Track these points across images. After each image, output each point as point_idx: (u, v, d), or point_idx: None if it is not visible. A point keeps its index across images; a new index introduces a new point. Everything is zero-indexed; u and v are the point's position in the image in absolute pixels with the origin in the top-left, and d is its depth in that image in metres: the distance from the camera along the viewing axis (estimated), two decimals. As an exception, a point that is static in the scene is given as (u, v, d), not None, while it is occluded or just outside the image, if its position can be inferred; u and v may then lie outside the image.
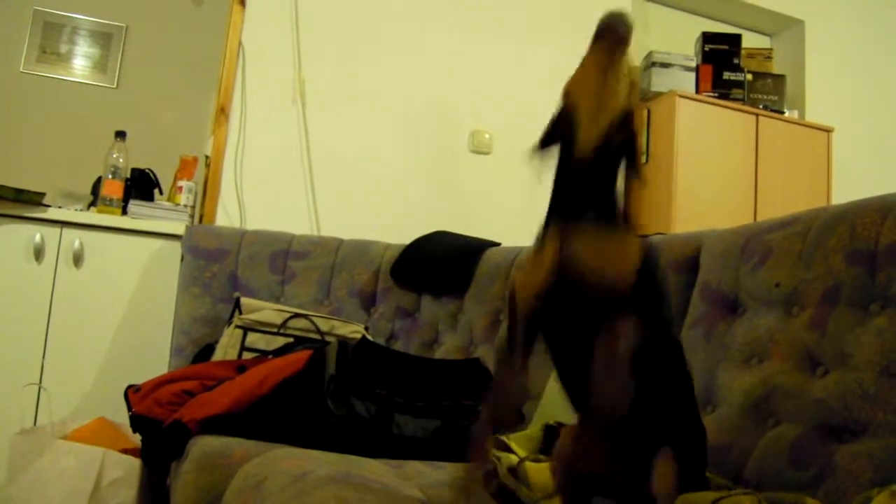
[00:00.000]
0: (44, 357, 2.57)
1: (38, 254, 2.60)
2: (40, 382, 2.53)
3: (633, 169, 1.14)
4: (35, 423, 2.48)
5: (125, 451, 2.08)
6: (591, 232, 1.10)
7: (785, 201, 3.65)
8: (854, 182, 3.93)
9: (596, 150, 1.12)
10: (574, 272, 1.09)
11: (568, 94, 1.18)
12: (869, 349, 1.25)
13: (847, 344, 1.30)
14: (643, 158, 1.11)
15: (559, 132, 1.19)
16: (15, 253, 2.58)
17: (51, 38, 4.06)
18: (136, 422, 1.89)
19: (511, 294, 1.17)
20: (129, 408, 1.93)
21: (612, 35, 1.11)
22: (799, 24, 4.34)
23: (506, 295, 1.17)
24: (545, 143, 1.22)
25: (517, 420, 1.15)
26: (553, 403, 1.64)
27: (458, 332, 2.41)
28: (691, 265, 1.79)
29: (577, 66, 1.18)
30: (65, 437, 2.08)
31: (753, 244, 1.60)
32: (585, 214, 1.11)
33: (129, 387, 1.98)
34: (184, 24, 4.13)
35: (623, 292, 1.07)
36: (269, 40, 3.14)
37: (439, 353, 2.41)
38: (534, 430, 1.47)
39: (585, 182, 1.13)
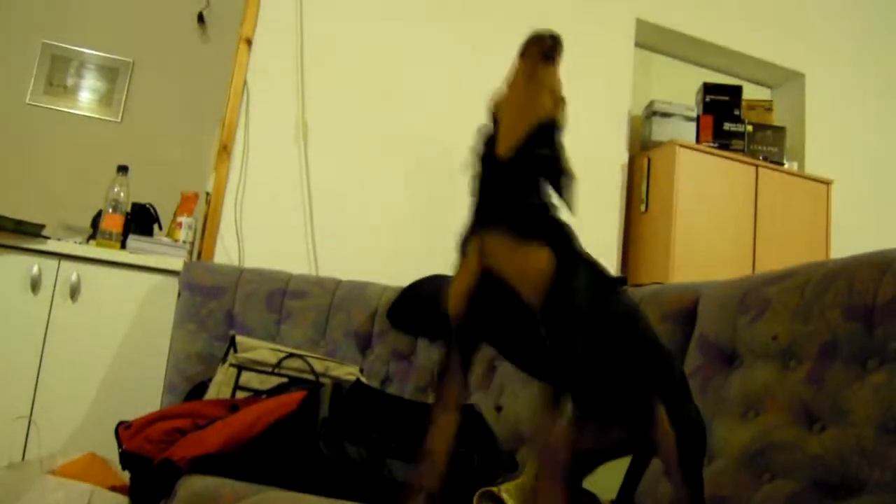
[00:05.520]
0: (35, 390, 2.54)
1: (35, 285, 2.59)
2: (31, 415, 2.50)
3: (559, 184, 1.21)
4: (24, 457, 2.45)
5: (114, 489, 2.04)
6: (505, 241, 1.17)
7: (784, 253, 3.65)
8: (852, 235, 3.93)
9: (515, 153, 1.20)
10: (495, 278, 1.16)
11: (494, 104, 1.28)
12: (866, 405, 1.25)
13: (844, 399, 1.29)
14: (570, 183, 1.18)
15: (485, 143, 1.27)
16: (12, 284, 2.57)
17: (58, 71, 4.09)
18: (126, 459, 1.87)
19: (446, 304, 1.22)
20: (120, 444, 1.91)
21: (535, 47, 1.21)
22: (800, 77, 4.39)
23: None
24: (477, 156, 1.29)
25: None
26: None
27: (454, 376, 2.39)
28: (689, 316, 1.79)
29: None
30: (53, 472, 2.05)
31: (751, 297, 1.60)
32: (501, 221, 1.18)
33: (121, 423, 1.97)
34: (190, 61, 4.16)
35: (538, 297, 1.13)
36: (274, 80, 3.16)
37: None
38: (527, 478, 1.45)
39: (504, 184, 1.21)
